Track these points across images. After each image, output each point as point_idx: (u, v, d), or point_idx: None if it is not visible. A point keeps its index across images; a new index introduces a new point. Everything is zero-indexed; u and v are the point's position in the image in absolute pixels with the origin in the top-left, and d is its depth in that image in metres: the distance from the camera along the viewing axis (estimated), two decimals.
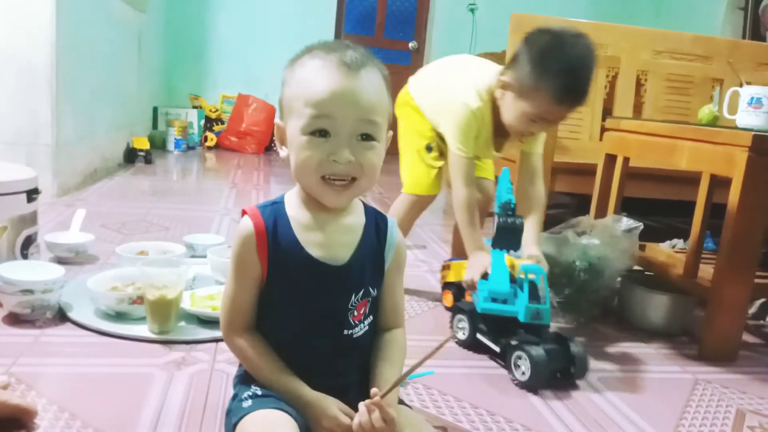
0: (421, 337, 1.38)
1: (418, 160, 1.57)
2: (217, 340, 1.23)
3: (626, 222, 1.64)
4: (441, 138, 1.52)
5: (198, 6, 4.87)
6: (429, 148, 1.55)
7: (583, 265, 1.50)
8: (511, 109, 1.36)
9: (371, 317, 0.86)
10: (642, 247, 1.75)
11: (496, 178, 1.47)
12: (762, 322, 1.75)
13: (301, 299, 0.80)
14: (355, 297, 0.82)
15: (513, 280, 1.28)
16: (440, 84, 1.56)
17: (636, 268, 1.68)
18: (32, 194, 1.54)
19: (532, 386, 1.17)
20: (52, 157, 2.41)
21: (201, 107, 4.79)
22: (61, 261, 1.62)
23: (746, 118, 1.56)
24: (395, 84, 0.82)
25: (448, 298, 1.58)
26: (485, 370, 1.26)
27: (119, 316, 1.29)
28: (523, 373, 1.17)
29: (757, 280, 1.43)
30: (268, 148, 4.74)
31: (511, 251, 1.34)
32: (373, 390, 0.74)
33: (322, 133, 0.75)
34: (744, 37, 4.16)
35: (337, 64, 0.74)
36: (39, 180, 1.60)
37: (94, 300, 1.31)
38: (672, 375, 1.33)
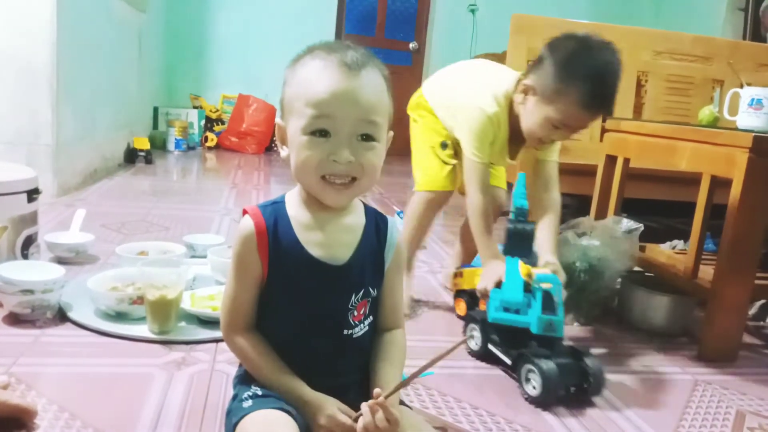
0: (421, 337, 1.38)
1: (432, 155, 1.53)
2: (217, 341, 1.23)
3: (626, 223, 1.64)
4: (456, 140, 1.48)
5: (198, 6, 4.87)
6: (444, 145, 1.52)
7: (583, 266, 1.50)
8: (534, 115, 1.31)
9: (371, 317, 0.86)
10: (642, 248, 1.75)
11: (509, 185, 1.44)
12: (762, 323, 1.75)
13: (301, 299, 0.81)
14: (355, 297, 0.82)
15: (528, 289, 1.23)
16: (456, 88, 1.52)
17: (636, 269, 1.69)
18: (32, 194, 1.54)
19: (542, 402, 1.11)
20: (53, 157, 2.41)
21: (201, 107, 4.79)
22: (61, 261, 1.62)
23: (747, 119, 1.56)
24: (396, 84, 0.82)
25: (461, 307, 1.53)
26: (485, 370, 1.26)
27: (119, 316, 1.29)
28: (534, 388, 1.12)
29: (757, 281, 1.43)
30: (269, 149, 4.74)
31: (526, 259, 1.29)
32: (377, 390, 0.74)
33: (323, 133, 0.75)
34: (744, 38, 4.16)
35: (338, 64, 0.74)
36: (39, 180, 1.60)
37: (94, 300, 1.31)
38: (672, 376, 1.33)
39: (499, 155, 1.46)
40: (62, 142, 2.47)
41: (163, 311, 1.23)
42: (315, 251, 0.80)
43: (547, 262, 1.30)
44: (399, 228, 0.92)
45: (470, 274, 1.51)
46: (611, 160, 1.82)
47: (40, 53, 2.33)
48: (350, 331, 0.83)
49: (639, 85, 2.52)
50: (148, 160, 3.61)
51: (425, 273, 1.91)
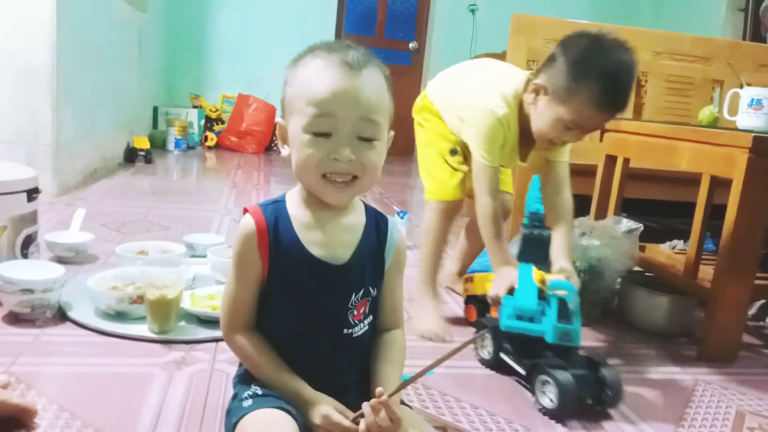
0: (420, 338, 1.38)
1: (441, 162, 1.46)
2: (217, 340, 1.23)
3: (626, 223, 1.64)
4: (465, 144, 1.43)
5: (198, 6, 4.87)
6: (453, 152, 1.45)
7: (583, 266, 1.50)
8: (545, 115, 1.26)
9: (371, 317, 0.86)
10: (642, 248, 1.75)
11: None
12: (762, 323, 1.75)
13: (302, 298, 0.81)
14: (355, 296, 0.82)
15: (542, 296, 1.19)
16: (461, 88, 1.46)
17: (636, 269, 1.69)
18: (32, 194, 1.54)
19: (558, 415, 1.07)
20: (52, 156, 2.41)
21: (201, 107, 4.79)
22: (61, 260, 1.62)
23: (746, 119, 1.56)
24: (396, 84, 0.82)
25: (472, 313, 1.49)
26: (485, 370, 1.26)
27: (119, 316, 1.29)
28: (551, 401, 1.07)
29: (757, 281, 1.43)
30: (269, 148, 4.74)
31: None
32: (379, 389, 0.74)
33: (324, 132, 0.75)
34: (744, 39, 4.17)
35: (339, 63, 0.75)
36: (39, 179, 1.60)
37: (94, 299, 1.31)
38: (672, 376, 1.33)
39: (510, 157, 1.41)
40: (62, 142, 2.47)
41: (163, 311, 1.23)
42: (315, 250, 0.80)
43: (561, 268, 1.26)
44: (399, 228, 0.91)
45: (481, 279, 1.47)
46: (611, 160, 1.82)
47: (40, 53, 2.33)
48: (350, 331, 0.83)
49: (639, 86, 2.52)
50: (148, 160, 3.61)
51: None
